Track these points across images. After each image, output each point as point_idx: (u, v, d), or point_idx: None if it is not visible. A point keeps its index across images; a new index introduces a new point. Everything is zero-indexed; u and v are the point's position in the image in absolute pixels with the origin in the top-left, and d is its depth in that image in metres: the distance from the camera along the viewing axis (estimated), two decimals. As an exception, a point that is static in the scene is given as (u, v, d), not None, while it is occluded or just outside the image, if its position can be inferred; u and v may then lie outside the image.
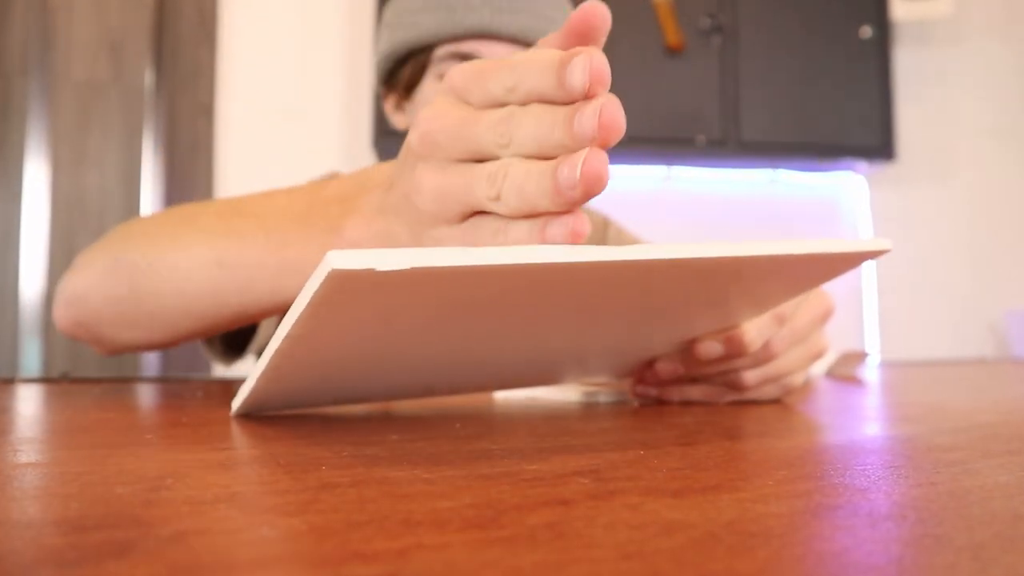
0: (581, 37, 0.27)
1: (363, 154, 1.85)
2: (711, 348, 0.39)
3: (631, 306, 0.30)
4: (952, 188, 2.13)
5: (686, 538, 0.14)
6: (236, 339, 0.73)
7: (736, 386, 0.41)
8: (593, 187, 0.24)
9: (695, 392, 0.42)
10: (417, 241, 0.31)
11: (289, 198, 0.40)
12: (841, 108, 1.88)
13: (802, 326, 0.43)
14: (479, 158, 0.27)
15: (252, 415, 0.33)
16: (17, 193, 1.70)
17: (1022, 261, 2.14)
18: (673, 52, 1.82)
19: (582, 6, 0.26)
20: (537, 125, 0.25)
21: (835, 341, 0.52)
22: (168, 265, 0.44)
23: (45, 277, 1.71)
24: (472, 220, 0.29)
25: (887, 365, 1.02)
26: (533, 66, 0.25)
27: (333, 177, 0.41)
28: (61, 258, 1.70)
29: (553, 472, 0.21)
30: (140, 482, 0.19)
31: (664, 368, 0.41)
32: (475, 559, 0.13)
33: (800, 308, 0.43)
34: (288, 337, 0.24)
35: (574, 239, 0.25)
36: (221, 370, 0.77)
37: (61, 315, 0.51)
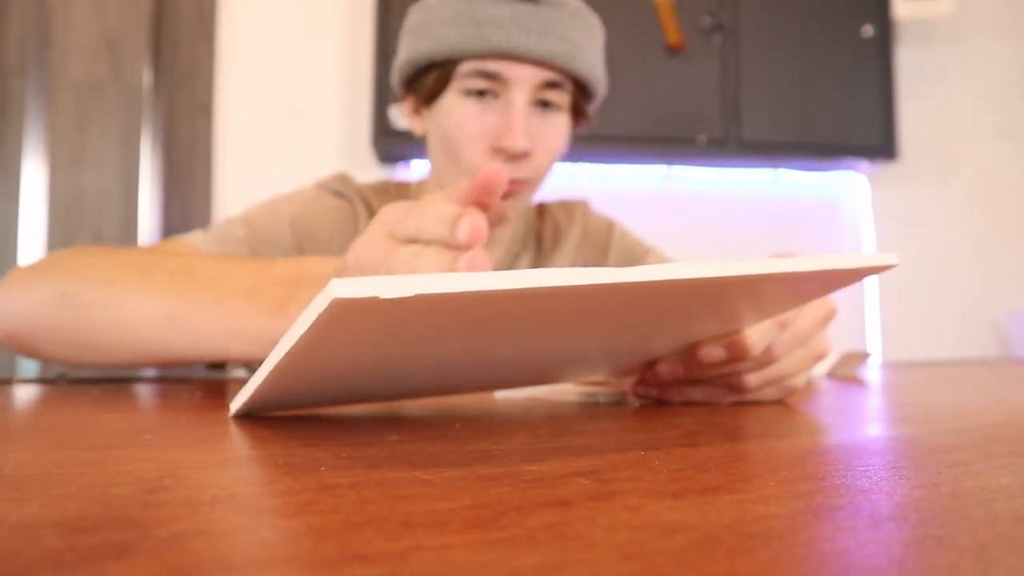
0: (482, 192, 0.37)
1: (362, 153, 1.85)
2: (713, 352, 0.39)
3: (636, 318, 0.30)
4: (954, 188, 2.12)
5: (687, 539, 0.14)
6: None
7: (737, 388, 0.42)
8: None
9: (696, 393, 0.42)
10: None
11: (238, 271, 0.45)
12: (842, 107, 1.88)
13: (804, 329, 0.43)
14: None
15: (251, 416, 0.33)
16: (15, 193, 1.69)
17: None
18: (674, 51, 1.82)
19: (483, 170, 0.37)
20: (436, 265, 0.35)
21: (837, 341, 0.52)
22: (122, 310, 0.47)
23: (45, 277, 1.70)
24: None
25: (889, 366, 1.02)
26: (437, 218, 0.35)
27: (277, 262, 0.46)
28: (61, 258, 1.70)
29: (553, 473, 0.21)
30: (138, 483, 0.19)
31: (665, 370, 0.41)
32: (475, 560, 0.13)
33: (802, 311, 0.43)
34: (289, 355, 0.24)
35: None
36: (221, 371, 0.77)
37: None
